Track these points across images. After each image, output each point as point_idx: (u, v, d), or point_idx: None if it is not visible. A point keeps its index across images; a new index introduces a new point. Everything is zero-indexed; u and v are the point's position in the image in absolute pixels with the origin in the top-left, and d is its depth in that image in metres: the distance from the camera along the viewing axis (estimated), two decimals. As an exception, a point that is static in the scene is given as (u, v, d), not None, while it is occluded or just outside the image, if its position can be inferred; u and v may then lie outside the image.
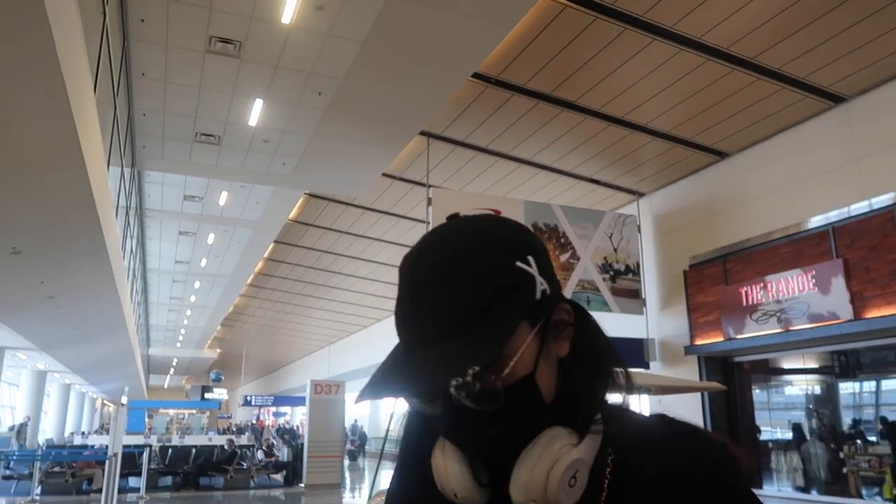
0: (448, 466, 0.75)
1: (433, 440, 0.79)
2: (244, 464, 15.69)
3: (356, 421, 28.40)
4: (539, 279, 0.75)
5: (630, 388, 0.80)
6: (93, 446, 16.38)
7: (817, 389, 11.00)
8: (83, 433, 27.25)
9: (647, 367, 11.25)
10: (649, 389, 7.92)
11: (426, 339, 0.71)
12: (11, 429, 20.32)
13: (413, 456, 0.83)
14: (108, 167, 7.32)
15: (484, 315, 0.70)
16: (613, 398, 0.81)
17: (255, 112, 9.07)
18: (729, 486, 0.74)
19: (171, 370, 47.16)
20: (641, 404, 9.14)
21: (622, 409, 0.81)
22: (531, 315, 0.73)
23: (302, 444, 15.76)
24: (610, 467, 0.75)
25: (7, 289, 9.34)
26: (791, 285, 9.22)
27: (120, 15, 7.00)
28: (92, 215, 6.62)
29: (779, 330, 9.33)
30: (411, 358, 0.71)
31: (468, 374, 0.66)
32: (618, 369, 0.80)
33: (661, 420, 0.79)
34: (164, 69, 8.10)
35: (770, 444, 10.82)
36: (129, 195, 11.43)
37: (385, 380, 0.70)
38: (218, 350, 38.59)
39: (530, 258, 0.75)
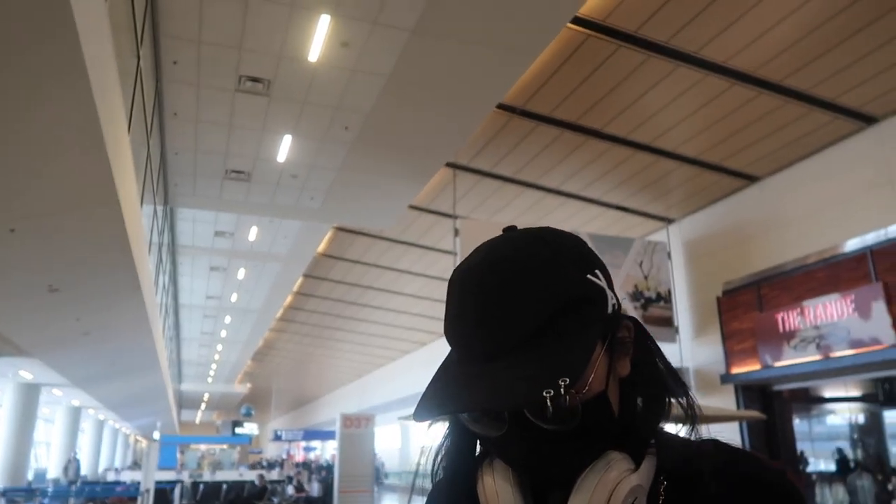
0: (499, 490, 0.71)
1: (473, 467, 0.76)
2: (275, 499, 15.60)
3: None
4: (609, 293, 0.72)
5: (694, 415, 0.76)
6: (125, 482, 16.46)
7: (861, 418, 10.64)
8: (116, 469, 27.43)
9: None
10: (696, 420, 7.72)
11: (497, 351, 0.66)
12: (66, 467, 20.65)
13: (453, 481, 0.79)
14: (141, 205, 7.47)
15: (559, 328, 0.67)
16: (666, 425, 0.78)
17: (284, 148, 9.21)
18: None
19: (203, 405, 47.45)
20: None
21: (672, 435, 0.77)
22: (604, 329, 0.71)
23: (332, 479, 15.64)
24: (663, 496, 0.71)
25: (44, 326, 9.51)
26: (829, 310, 8.98)
27: (153, 57, 7.21)
28: (126, 253, 6.74)
29: (818, 357, 9.07)
30: (484, 371, 0.66)
31: (560, 388, 0.62)
32: (678, 396, 0.76)
33: (714, 445, 0.74)
34: (195, 108, 8.29)
35: (814, 476, 10.45)
36: (162, 232, 11.64)
37: (454, 395, 0.66)
38: (248, 385, 38.78)
39: (597, 272, 0.73)
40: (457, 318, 0.70)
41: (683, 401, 0.76)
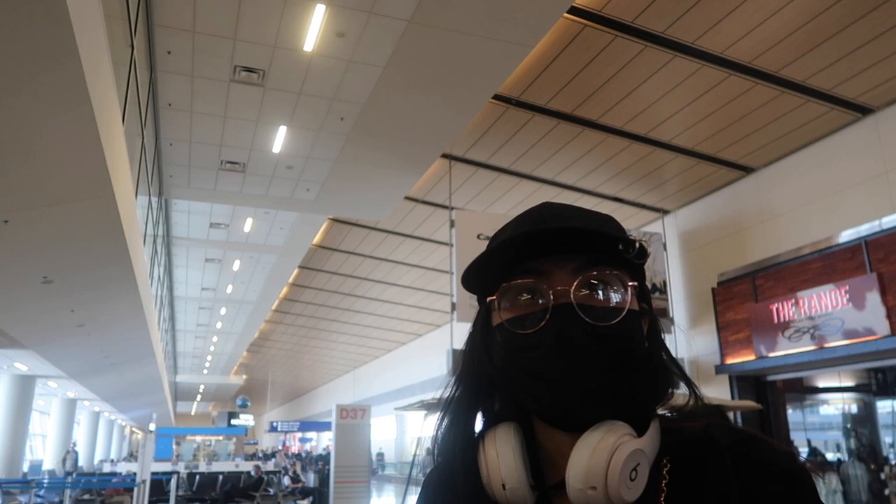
0: (501, 454, 0.72)
1: (473, 444, 0.77)
2: (271, 490, 15.63)
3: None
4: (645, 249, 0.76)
5: (697, 395, 0.78)
6: (121, 473, 16.46)
7: (854, 408, 10.71)
8: (112, 460, 27.43)
9: (676, 387, 11.04)
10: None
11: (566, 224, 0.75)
12: (64, 459, 20.66)
13: (451, 461, 0.79)
14: (136, 196, 7.44)
15: (618, 239, 0.73)
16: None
17: (279, 139, 9.17)
18: (802, 499, 0.68)
19: (199, 397, 47.47)
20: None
21: (680, 420, 0.77)
22: (635, 273, 0.76)
23: (328, 470, 15.68)
24: (666, 479, 0.71)
25: (39, 318, 9.48)
26: (824, 301, 9.02)
27: (147, 48, 7.15)
28: (121, 244, 6.71)
29: (812, 347, 9.12)
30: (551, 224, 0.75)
31: (635, 241, 0.72)
32: (680, 378, 0.79)
33: (726, 428, 0.74)
34: (189, 99, 8.24)
35: (807, 465, 10.53)
36: (157, 223, 11.59)
37: (525, 221, 0.76)
38: (244, 376, 38.78)
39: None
40: (525, 220, 0.79)
41: (684, 383, 0.79)
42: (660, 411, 0.77)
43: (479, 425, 0.80)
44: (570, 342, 0.69)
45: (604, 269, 0.71)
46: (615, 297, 0.71)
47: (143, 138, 7.76)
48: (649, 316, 0.77)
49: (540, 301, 0.71)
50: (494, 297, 0.75)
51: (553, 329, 0.69)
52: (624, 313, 0.70)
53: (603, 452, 0.66)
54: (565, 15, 7.06)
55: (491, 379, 0.78)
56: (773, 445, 0.72)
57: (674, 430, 0.75)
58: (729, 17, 7.18)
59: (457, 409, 0.80)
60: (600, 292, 0.71)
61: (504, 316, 0.74)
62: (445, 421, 0.81)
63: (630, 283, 0.73)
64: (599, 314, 0.70)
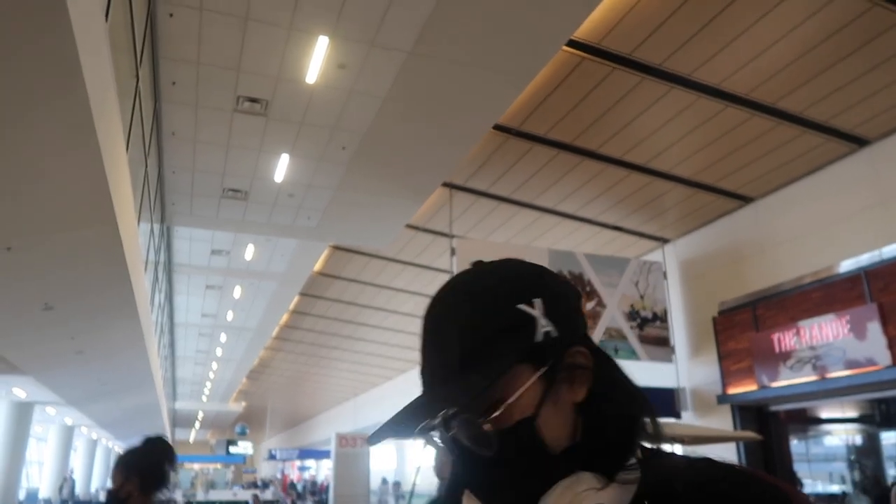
0: None
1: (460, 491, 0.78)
2: (269, 520, 15.42)
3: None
4: (542, 321, 0.73)
5: (659, 437, 0.76)
6: (118, 503, 16.26)
7: (858, 440, 10.61)
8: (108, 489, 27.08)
9: (678, 416, 10.96)
10: (682, 440, 7.70)
11: (429, 382, 0.74)
12: (61, 487, 20.50)
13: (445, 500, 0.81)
14: (138, 224, 7.49)
15: (478, 358, 0.70)
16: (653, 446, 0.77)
17: (281, 167, 9.25)
18: None
19: (197, 424, 47.06)
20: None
21: (664, 455, 0.76)
22: (533, 358, 0.72)
23: (326, 499, 15.50)
24: None
25: (39, 344, 9.48)
26: (825, 331, 8.99)
27: (152, 78, 7.27)
28: (122, 271, 6.74)
29: (814, 378, 9.07)
30: (418, 400, 0.72)
31: (439, 417, 0.69)
32: (646, 418, 0.76)
33: (707, 464, 0.72)
34: (193, 128, 8.34)
35: (812, 498, 10.40)
36: (159, 251, 11.64)
37: (387, 422, 0.72)
38: (243, 403, 38.50)
39: (537, 300, 0.74)
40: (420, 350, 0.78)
41: (649, 424, 0.75)
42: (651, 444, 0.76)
43: None
44: (478, 477, 0.73)
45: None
46: (474, 428, 0.71)
47: (146, 166, 7.84)
48: (598, 368, 0.75)
49: None
50: None
51: (458, 462, 0.75)
52: (493, 437, 0.71)
53: None
54: (564, 47, 7.17)
55: None
56: (762, 482, 0.68)
57: (656, 466, 0.73)
58: (725, 49, 7.29)
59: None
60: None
61: None
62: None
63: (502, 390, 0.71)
64: (473, 444, 0.72)
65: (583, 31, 7.04)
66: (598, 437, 0.73)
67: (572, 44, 7.23)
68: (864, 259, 8.84)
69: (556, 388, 0.73)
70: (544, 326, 0.73)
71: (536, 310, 0.73)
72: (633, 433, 0.74)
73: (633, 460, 0.73)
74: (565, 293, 0.78)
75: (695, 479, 0.69)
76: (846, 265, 9.09)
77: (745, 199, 10.62)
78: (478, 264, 0.81)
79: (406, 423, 0.70)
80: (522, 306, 0.73)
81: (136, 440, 2.55)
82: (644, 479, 0.71)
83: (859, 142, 8.86)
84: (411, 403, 0.71)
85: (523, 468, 0.70)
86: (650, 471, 0.72)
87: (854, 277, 8.86)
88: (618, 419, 0.74)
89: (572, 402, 0.74)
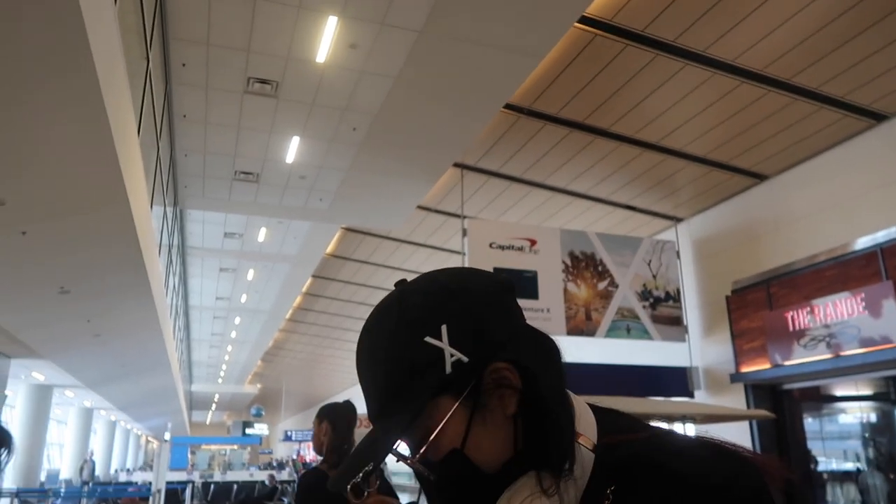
0: None
1: None
2: (285, 499, 15.66)
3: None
4: (449, 350, 0.71)
5: (564, 448, 0.71)
6: (137, 483, 16.56)
7: (873, 417, 10.55)
8: (128, 470, 27.58)
9: (691, 395, 10.97)
10: (694, 419, 7.72)
11: (373, 419, 0.77)
12: (81, 468, 20.86)
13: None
14: (151, 207, 7.53)
15: (396, 399, 0.72)
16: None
17: (292, 149, 9.25)
18: None
19: (213, 406, 47.67)
20: (686, 433, 8.89)
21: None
22: (449, 388, 0.71)
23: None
24: (610, 499, 0.68)
25: (56, 328, 9.60)
26: (839, 309, 8.92)
27: (162, 60, 7.27)
28: (136, 254, 6.79)
29: (828, 356, 9.01)
30: (363, 440, 0.78)
31: (360, 475, 0.71)
32: (560, 424, 0.73)
33: (669, 441, 0.72)
34: (204, 111, 8.35)
35: (825, 476, 10.39)
36: (172, 234, 11.71)
37: (345, 466, 0.76)
38: (258, 385, 38.90)
39: (443, 328, 0.72)
40: None
41: (558, 434, 0.72)
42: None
43: None
44: (439, 494, 0.76)
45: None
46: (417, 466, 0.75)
47: (158, 149, 7.87)
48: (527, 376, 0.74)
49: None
50: None
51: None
52: (428, 470, 0.75)
53: None
54: (576, 24, 7.08)
55: None
56: (715, 458, 0.67)
57: (613, 452, 0.71)
58: (740, 25, 7.17)
59: None
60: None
61: None
62: None
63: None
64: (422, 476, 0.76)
65: (595, 8, 6.95)
66: (539, 441, 0.72)
67: (584, 20, 7.14)
68: (881, 236, 8.74)
69: (484, 409, 0.72)
70: (453, 356, 0.71)
71: (444, 338, 0.72)
72: (570, 432, 0.72)
73: (590, 449, 0.72)
74: (477, 304, 0.76)
75: (655, 458, 0.67)
76: (862, 242, 8.99)
77: (759, 177, 10.51)
78: (399, 284, 0.82)
79: (357, 466, 0.73)
80: (429, 339, 0.72)
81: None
82: (596, 471, 0.70)
83: (877, 117, 8.72)
84: (362, 442, 0.76)
85: (467, 489, 0.73)
86: (609, 457, 0.70)
87: (870, 255, 8.77)
88: (553, 421, 0.72)
89: (505, 415, 0.72)
